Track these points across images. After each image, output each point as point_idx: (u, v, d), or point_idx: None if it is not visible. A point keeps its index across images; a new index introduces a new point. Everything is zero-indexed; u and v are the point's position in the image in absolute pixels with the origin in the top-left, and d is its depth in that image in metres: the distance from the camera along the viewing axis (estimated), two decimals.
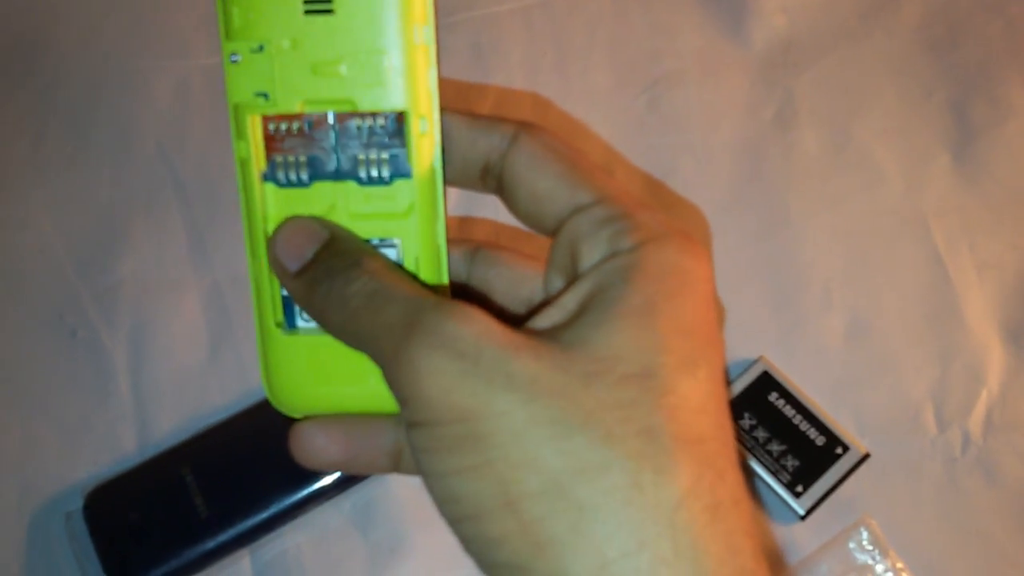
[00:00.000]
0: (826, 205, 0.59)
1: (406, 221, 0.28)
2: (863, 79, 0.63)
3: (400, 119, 0.27)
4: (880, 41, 0.64)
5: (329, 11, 0.26)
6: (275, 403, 0.30)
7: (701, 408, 0.25)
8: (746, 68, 0.63)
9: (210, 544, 0.48)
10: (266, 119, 0.27)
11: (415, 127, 0.27)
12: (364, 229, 0.28)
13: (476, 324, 0.24)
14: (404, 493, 0.52)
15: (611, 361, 0.24)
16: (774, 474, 0.51)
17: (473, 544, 0.25)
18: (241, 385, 0.54)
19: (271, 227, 0.28)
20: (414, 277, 0.28)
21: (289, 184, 0.28)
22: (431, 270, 0.28)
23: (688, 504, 0.23)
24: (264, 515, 0.49)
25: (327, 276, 0.27)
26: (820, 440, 0.52)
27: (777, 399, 0.53)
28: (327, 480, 0.50)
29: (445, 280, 0.28)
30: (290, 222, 0.28)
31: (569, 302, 0.26)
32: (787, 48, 0.63)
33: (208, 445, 0.51)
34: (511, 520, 0.23)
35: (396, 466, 0.30)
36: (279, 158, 0.27)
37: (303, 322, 0.29)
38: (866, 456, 0.51)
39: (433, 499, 0.25)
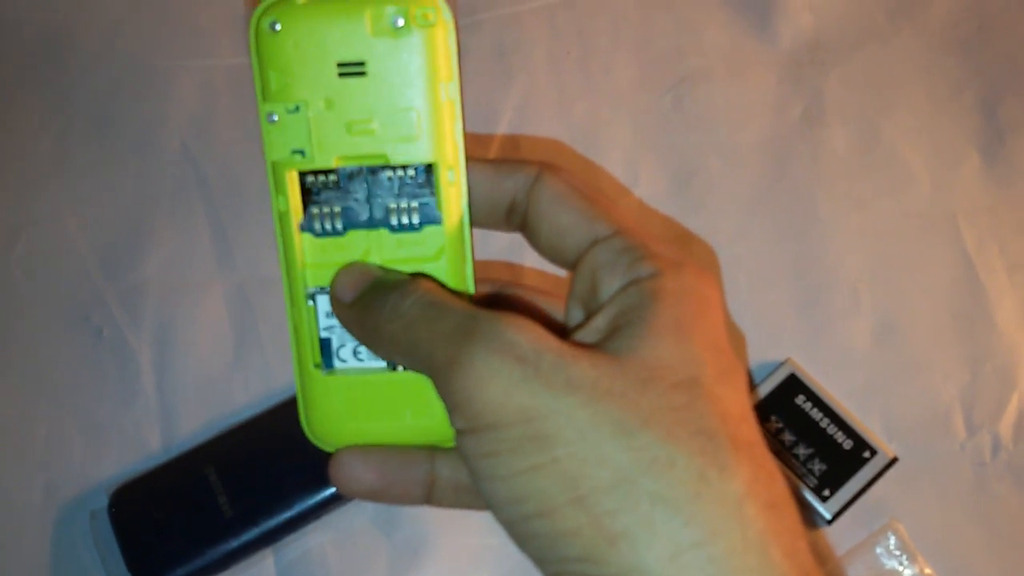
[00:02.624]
0: (854, 205, 0.59)
1: (436, 264, 0.30)
2: (891, 78, 0.62)
3: (429, 170, 0.29)
4: (909, 39, 0.63)
5: (362, 74, 0.28)
6: (313, 439, 0.31)
7: (742, 416, 0.26)
8: (772, 66, 0.62)
9: (234, 543, 0.48)
10: (303, 174, 0.29)
11: (443, 177, 0.29)
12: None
13: (533, 332, 0.26)
14: None
15: (660, 370, 0.25)
16: (801, 478, 0.50)
17: (540, 540, 0.25)
18: (265, 384, 0.54)
19: (308, 274, 0.30)
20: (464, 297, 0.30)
21: (325, 233, 0.29)
22: None
23: (751, 500, 0.24)
24: (288, 515, 0.49)
25: (383, 294, 0.28)
26: (847, 443, 0.51)
27: (804, 402, 0.52)
28: None
29: None
30: (344, 268, 0.29)
31: (600, 323, 0.28)
32: (814, 46, 0.63)
33: (232, 444, 0.51)
34: (582, 514, 0.24)
35: (429, 497, 0.32)
36: (315, 210, 0.29)
37: (339, 363, 0.30)
38: (894, 460, 0.51)
39: (493, 503, 0.26)
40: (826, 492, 0.50)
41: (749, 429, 0.26)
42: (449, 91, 0.29)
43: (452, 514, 0.52)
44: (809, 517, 0.51)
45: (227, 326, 0.55)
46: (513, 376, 0.25)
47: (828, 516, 0.50)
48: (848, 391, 0.53)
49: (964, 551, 0.51)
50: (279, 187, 0.29)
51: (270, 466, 0.50)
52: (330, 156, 0.29)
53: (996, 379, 0.55)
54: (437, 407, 0.30)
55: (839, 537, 0.51)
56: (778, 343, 0.55)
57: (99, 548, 0.49)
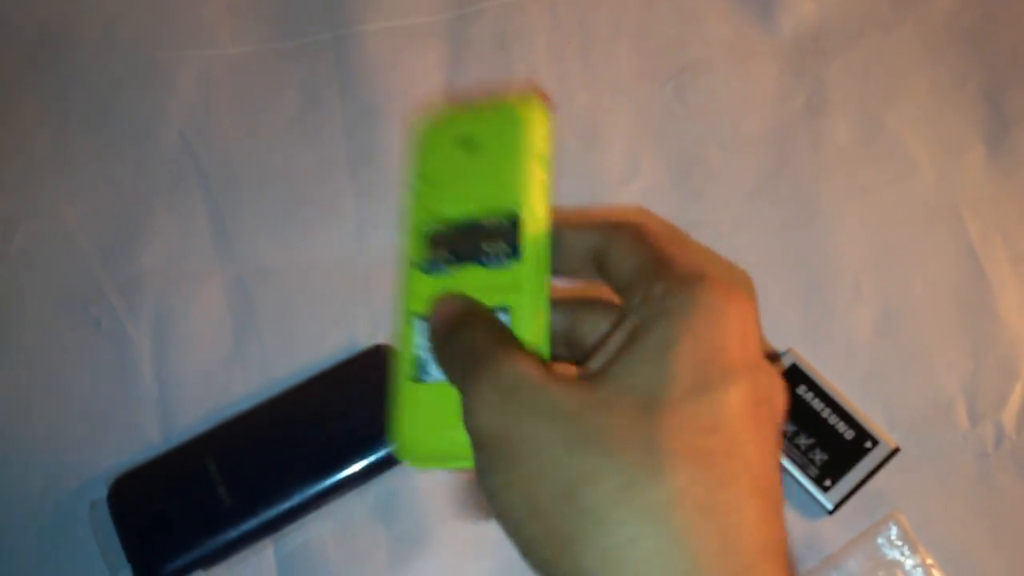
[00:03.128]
0: (856, 195, 0.58)
1: (518, 294, 0.34)
2: (895, 67, 0.62)
3: (519, 225, 0.35)
4: (912, 28, 0.62)
5: (476, 150, 0.36)
6: (402, 453, 0.34)
7: (711, 428, 0.28)
8: (775, 56, 0.62)
9: (233, 533, 0.48)
10: (428, 227, 0.36)
11: (529, 228, 0.35)
12: (485, 299, 0.34)
13: (519, 365, 0.30)
14: (427, 485, 0.52)
15: (628, 390, 0.28)
16: (802, 468, 0.50)
17: (522, 548, 0.29)
18: (264, 375, 0.54)
19: (415, 303, 0.35)
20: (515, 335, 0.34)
21: (432, 271, 0.36)
22: (535, 332, 0.33)
23: (681, 504, 0.26)
24: (287, 505, 0.49)
25: (454, 333, 0.33)
26: (849, 434, 0.51)
27: (806, 392, 0.52)
28: (350, 470, 0.50)
29: (545, 340, 0.34)
30: (442, 298, 0.34)
31: (612, 345, 0.31)
32: (817, 36, 0.62)
33: (231, 435, 0.51)
34: (539, 524, 0.28)
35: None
36: (431, 255, 0.36)
37: (430, 376, 0.35)
38: (896, 450, 0.50)
39: (495, 517, 0.29)
40: (827, 482, 0.50)
41: (714, 438, 0.28)
42: (543, 162, 0.35)
43: (452, 506, 0.52)
44: (810, 507, 0.51)
45: (226, 317, 0.55)
46: (495, 403, 0.29)
47: (829, 506, 0.50)
48: (850, 381, 0.53)
49: (966, 542, 0.51)
50: (414, 241, 0.36)
51: (269, 456, 0.50)
52: (451, 212, 0.36)
53: (999, 369, 0.54)
54: None
55: (840, 527, 0.51)
56: (780, 333, 0.55)
57: (98, 538, 0.49)
